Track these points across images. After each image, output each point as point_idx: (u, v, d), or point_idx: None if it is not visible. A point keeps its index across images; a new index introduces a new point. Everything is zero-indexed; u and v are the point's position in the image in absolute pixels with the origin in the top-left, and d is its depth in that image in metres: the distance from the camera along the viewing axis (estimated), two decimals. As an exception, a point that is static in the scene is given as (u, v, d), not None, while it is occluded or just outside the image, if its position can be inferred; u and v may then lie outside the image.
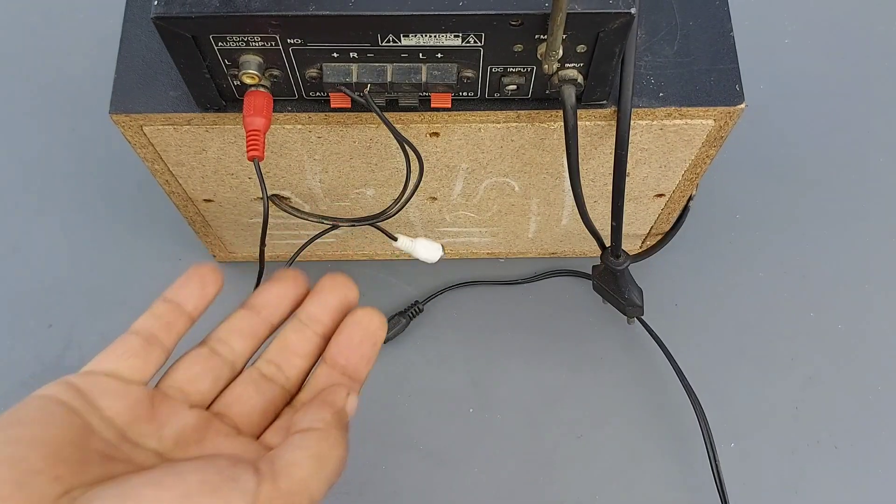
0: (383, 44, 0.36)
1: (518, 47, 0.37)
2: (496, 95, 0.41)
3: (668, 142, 0.44)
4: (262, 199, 0.39)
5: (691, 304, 0.59)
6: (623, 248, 0.59)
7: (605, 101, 0.41)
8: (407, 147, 0.40)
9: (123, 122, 0.41)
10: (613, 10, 0.35)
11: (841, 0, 0.69)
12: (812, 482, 0.54)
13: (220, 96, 0.40)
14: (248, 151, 0.38)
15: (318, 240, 0.57)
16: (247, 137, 0.38)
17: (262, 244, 0.42)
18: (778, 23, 0.68)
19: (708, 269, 0.60)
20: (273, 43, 0.36)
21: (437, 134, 0.43)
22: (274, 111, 0.41)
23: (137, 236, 0.60)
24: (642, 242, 0.59)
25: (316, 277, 0.61)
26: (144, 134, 0.42)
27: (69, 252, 0.60)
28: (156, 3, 0.34)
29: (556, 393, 0.56)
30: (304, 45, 0.37)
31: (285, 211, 0.49)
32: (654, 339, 0.56)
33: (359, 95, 0.38)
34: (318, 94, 0.40)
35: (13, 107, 0.65)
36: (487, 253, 0.60)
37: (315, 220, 0.47)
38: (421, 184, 0.48)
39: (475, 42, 0.36)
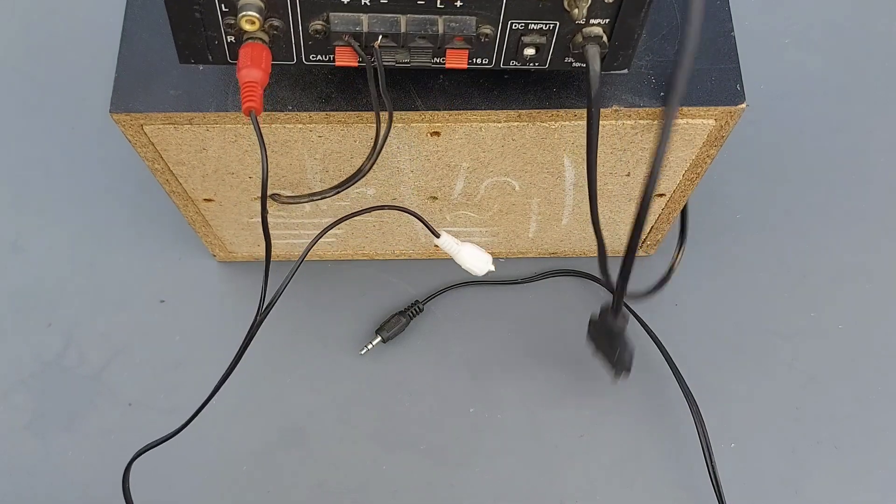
0: None
1: None
2: (512, 63, 0.38)
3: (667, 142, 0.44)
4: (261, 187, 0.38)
5: (691, 304, 0.59)
6: (622, 249, 0.59)
7: (626, 69, 0.39)
8: (385, 101, 0.37)
9: (124, 121, 0.41)
10: None
11: (841, 0, 0.69)
12: (812, 482, 0.54)
13: (206, 49, 0.36)
14: (243, 103, 0.34)
15: (318, 239, 0.57)
16: (242, 89, 0.35)
17: (264, 210, 0.38)
18: (778, 22, 0.68)
19: (708, 269, 0.60)
20: None
21: (437, 133, 0.43)
22: (270, 86, 0.37)
23: (137, 236, 0.60)
24: (642, 243, 0.59)
25: (316, 277, 0.61)
26: (145, 133, 0.42)
27: (69, 252, 0.60)
28: None
29: (556, 393, 0.56)
30: None
31: (312, 199, 0.44)
32: (652, 339, 0.56)
33: (367, 53, 0.35)
34: (319, 57, 0.37)
35: (13, 106, 0.65)
36: (488, 252, 0.60)
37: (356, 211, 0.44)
38: (422, 183, 0.48)
39: None
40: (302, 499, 0.53)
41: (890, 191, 0.63)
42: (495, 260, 0.60)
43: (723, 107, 0.41)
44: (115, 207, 0.61)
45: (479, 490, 0.54)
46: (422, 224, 0.54)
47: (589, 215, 0.54)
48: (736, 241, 0.61)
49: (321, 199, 0.43)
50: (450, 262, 0.60)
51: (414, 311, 0.57)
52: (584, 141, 0.44)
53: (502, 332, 0.59)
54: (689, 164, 0.47)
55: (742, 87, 0.41)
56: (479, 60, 0.38)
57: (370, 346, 0.56)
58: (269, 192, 0.48)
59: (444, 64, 0.37)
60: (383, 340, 0.56)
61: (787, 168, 0.64)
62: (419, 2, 0.34)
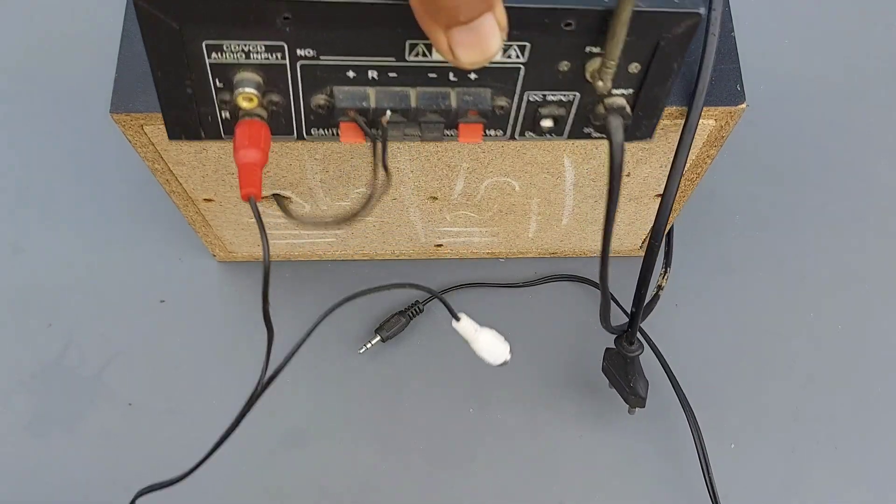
0: (411, 58, 0.31)
1: (564, 65, 0.32)
2: (527, 135, 0.36)
3: (669, 141, 0.44)
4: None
5: (690, 304, 0.59)
6: (622, 249, 0.59)
7: (650, 138, 0.37)
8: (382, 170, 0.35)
9: (124, 121, 0.41)
10: (681, 10, 0.31)
11: (841, 0, 0.69)
12: (812, 482, 0.54)
13: (199, 126, 0.33)
14: (242, 187, 0.31)
15: (318, 240, 0.57)
16: (240, 171, 0.31)
17: (266, 296, 0.34)
18: (778, 23, 0.68)
19: (707, 269, 0.60)
20: (279, 55, 0.31)
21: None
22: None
23: (137, 236, 0.60)
24: (642, 243, 0.59)
25: (315, 277, 0.61)
26: (145, 133, 0.42)
27: (69, 252, 0.60)
28: None
29: (555, 393, 0.56)
30: (316, 58, 0.31)
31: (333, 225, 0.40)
32: (648, 341, 0.56)
33: (374, 129, 0.33)
34: (322, 131, 0.35)
35: (13, 106, 0.65)
36: (488, 252, 0.60)
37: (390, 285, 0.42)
38: (422, 183, 0.48)
39: (517, 56, 0.32)
40: (301, 499, 0.53)
41: (890, 191, 0.63)
42: (496, 260, 0.60)
43: (723, 107, 0.41)
44: (115, 207, 0.61)
45: (479, 490, 0.54)
46: (422, 225, 0.54)
47: (589, 215, 0.54)
48: (735, 241, 0.61)
49: (326, 227, 0.40)
50: (450, 262, 0.60)
51: (414, 311, 0.57)
52: (583, 141, 0.44)
53: (503, 333, 0.58)
54: (689, 165, 0.47)
55: (742, 87, 0.41)
56: (491, 132, 0.36)
57: (369, 346, 0.56)
58: (271, 192, 0.48)
59: (457, 138, 0.35)
60: (382, 340, 0.56)
61: (787, 168, 0.64)
62: (430, 75, 0.32)
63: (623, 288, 0.59)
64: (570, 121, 0.35)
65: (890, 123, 0.65)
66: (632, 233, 0.57)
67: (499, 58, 0.31)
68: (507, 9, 0.29)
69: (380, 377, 0.57)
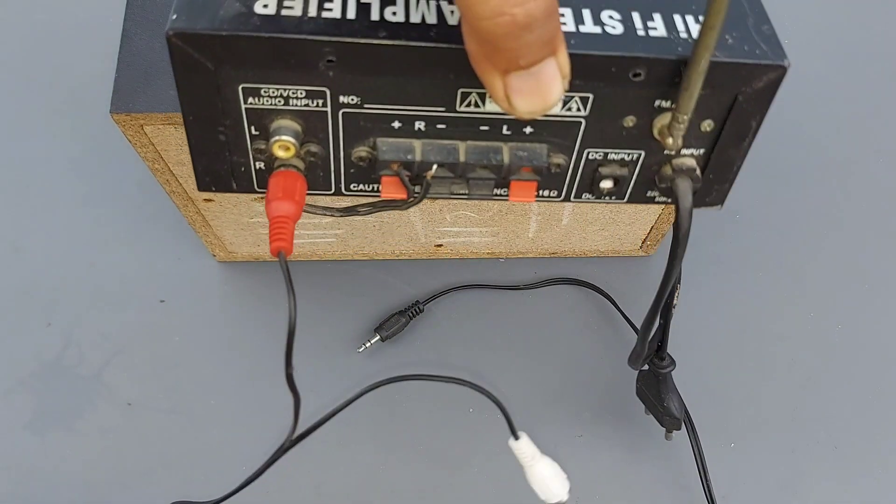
0: (462, 108, 0.29)
1: (629, 120, 0.30)
2: (585, 197, 0.33)
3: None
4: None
5: (690, 304, 0.59)
6: (622, 249, 0.59)
7: (720, 205, 0.34)
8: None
9: (124, 121, 0.41)
10: (764, 62, 0.28)
11: (841, 0, 0.69)
12: (811, 482, 0.54)
13: (231, 177, 0.31)
14: (272, 241, 0.28)
15: (318, 239, 0.57)
16: (271, 224, 0.29)
17: (289, 359, 0.31)
18: (778, 23, 0.68)
19: (708, 269, 0.61)
20: (320, 102, 0.28)
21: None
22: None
23: (137, 236, 0.60)
24: (642, 243, 0.59)
25: (315, 277, 0.61)
26: (145, 133, 0.42)
27: (69, 251, 0.60)
28: (174, 15, 0.26)
29: (555, 393, 0.57)
30: (360, 106, 0.29)
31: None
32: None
33: (416, 188, 0.30)
34: (362, 187, 0.32)
35: (13, 106, 0.65)
36: (488, 253, 0.60)
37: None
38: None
39: (578, 109, 0.29)
40: (301, 499, 0.53)
41: (890, 191, 0.63)
42: (496, 260, 0.60)
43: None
44: (115, 207, 0.61)
45: (479, 490, 0.54)
46: (422, 225, 0.55)
47: (589, 215, 0.54)
48: (735, 241, 0.61)
49: (339, 215, 0.38)
50: (450, 263, 0.60)
51: (414, 311, 0.57)
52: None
53: (503, 334, 0.59)
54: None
55: (742, 87, 0.41)
56: (546, 193, 0.33)
57: (368, 345, 0.56)
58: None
59: (508, 197, 0.32)
60: (382, 339, 0.56)
61: (787, 168, 0.64)
62: (482, 128, 0.29)
63: (624, 288, 0.59)
64: (632, 182, 0.33)
65: (890, 123, 0.65)
66: (632, 233, 0.57)
67: (558, 110, 0.29)
68: (573, 56, 0.27)
69: (379, 377, 0.57)
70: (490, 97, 0.27)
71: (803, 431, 0.56)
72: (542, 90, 0.26)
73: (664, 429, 0.49)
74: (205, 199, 0.50)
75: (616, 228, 0.56)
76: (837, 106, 0.66)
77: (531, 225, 0.55)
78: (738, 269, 0.61)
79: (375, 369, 0.57)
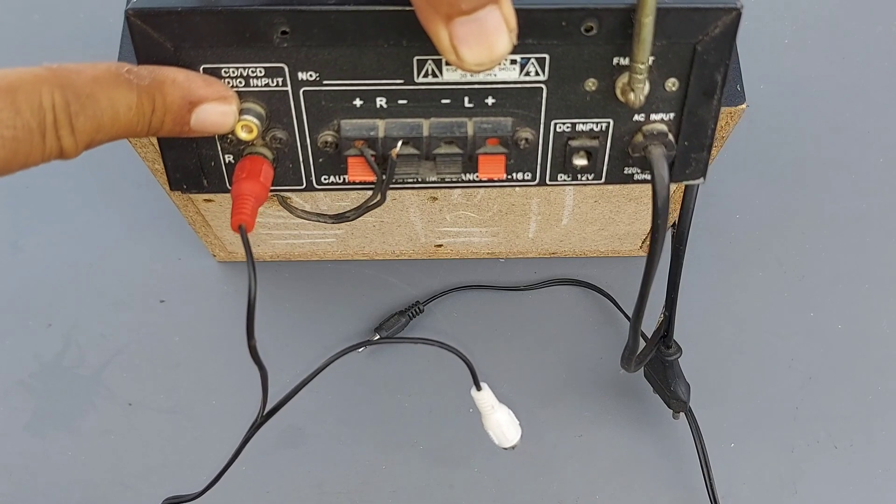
0: (420, 79, 0.29)
1: (591, 83, 0.30)
2: (560, 178, 0.33)
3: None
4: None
5: (690, 304, 0.59)
6: (622, 249, 0.59)
7: (702, 178, 0.33)
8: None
9: (124, 121, 0.41)
10: (714, 5, 0.27)
11: (841, 0, 0.69)
12: (811, 482, 0.54)
13: (201, 172, 0.31)
14: (233, 215, 0.29)
15: (318, 240, 0.57)
16: (233, 202, 0.30)
17: (250, 331, 0.33)
18: (778, 23, 0.68)
19: (707, 268, 0.60)
20: (280, 81, 0.29)
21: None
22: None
23: (137, 236, 0.60)
24: (642, 243, 0.59)
25: (315, 277, 0.61)
26: (145, 133, 0.42)
27: (69, 252, 0.60)
28: None
29: (555, 393, 0.57)
30: (319, 83, 0.29)
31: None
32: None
33: (382, 170, 0.30)
34: (332, 179, 0.32)
35: (13, 106, 0.65)
36: (487, 253, 0.60)
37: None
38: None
39: (537, 73, 0.29)
40: (300, 498, 0.53)
41: (889, 191, 0.63)
42: (496, 260, 0.60)
43: (723, 107, 0.41)
44: (115, 207, 0.61)
45: (479, 490, 0.54)
46: (422, 225, 0.55)
47: (589, 215, 0.54)
48: (735, 241, 0.61)
49: (331, 222, 0.37)
50: (450, 263, 0.60)
51: (414, 311, 0.57)
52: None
53: (503, 334, 0.59)
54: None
55: (742, 87, 0.41)
56: (519, 175, 0.32)
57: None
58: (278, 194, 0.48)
59: (478, 175, 0.32)
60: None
61: (787, 168, 0.64)
62: (444, 100, 0.30)
63: (624, 288, 0.59)
64: (606, 157, 0.32)
65: (889, 123, 0.65)
66: (632, 233, 0.57)
67: (517, 76, 0.29)
68: (519, 10, 0.26)
69: (380, 377, 0.57)
70: (439, 51, 0.27)
71: (803, 430, 0.56)
72: (488, 39, 0.26)
73: (671, 410, 0.51)
74: (205, 200, 0.50)
75: (616, 228, 0.56)
76: (837, 106, 0.66)
77: (531, 225, 0.55)
78: (738, 269, 0.61)
79: (375, 369, 0.57)
